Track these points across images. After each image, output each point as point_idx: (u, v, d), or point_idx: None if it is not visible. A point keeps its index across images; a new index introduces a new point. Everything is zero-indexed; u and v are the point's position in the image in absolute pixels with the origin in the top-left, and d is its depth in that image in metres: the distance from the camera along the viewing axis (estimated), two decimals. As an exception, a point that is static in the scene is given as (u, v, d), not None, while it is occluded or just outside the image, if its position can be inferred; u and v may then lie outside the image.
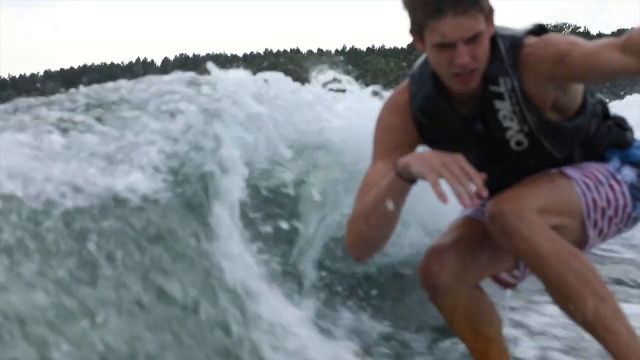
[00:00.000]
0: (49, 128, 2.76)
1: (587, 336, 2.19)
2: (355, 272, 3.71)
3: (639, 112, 6.97)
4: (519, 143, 2.22)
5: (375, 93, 4.24)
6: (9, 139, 2.55)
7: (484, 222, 2.25)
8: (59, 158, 2.53)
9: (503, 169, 2.28)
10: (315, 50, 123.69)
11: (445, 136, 2.23)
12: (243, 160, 2.99)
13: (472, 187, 1.86)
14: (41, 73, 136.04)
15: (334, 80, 4.25)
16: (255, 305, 2.56)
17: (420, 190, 2.16)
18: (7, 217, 2.23)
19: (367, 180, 2.19)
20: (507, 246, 2.12)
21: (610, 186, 2.25)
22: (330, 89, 4.29)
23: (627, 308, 2.23)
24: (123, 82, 3.45)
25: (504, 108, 2.16)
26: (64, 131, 2.79)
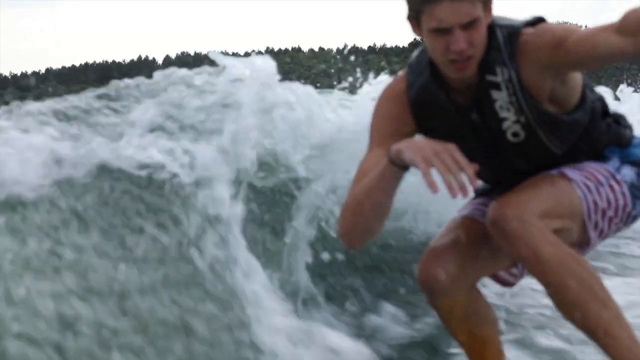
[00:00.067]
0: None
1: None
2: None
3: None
4: (515, 134, 2.20)
5: None
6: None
7: (482, 222, 2.25)
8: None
9: (501, 162, 2.28)
10: (316, 49, 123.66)
11: (442, 126, 2.22)
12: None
13: (463, 178, 1.86)
14: (42, 71, 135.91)
15: None
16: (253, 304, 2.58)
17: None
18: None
19: (362, 167, 2.19)
20: (509, 251, 2.13)
21: (611, 187, 2.25)
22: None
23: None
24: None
25: (500, 98, 2.15)
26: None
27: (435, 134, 2.14)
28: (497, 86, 2.15)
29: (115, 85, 3.43)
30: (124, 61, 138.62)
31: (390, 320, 3.30)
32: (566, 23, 2.26)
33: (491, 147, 2.26)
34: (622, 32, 1.99)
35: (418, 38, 2.18)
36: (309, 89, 4.13)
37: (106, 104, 3.19)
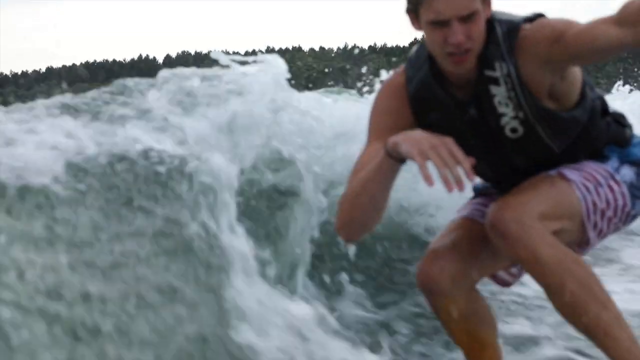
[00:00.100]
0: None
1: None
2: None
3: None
4: (513, 130, 2.19)
5: None
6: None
7: (482, 223, 2.24)
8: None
9: (499, 158, 2.27)
10: (317, 49, 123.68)
11: (440, 121, 2.20)
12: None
13: (460, 172, 1.85)
14: (43, 70, 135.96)
15: None
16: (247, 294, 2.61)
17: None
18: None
19: (361, 160, 2.19)
20: (508, 253, 2.12)
21: (610, 187, 2.24)
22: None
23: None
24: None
25: (499, 93, 2.15)
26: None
27: (434, 129, 2.10)
28: (495, 81, 2.15)
29: (120, 83, 3.46)
30: (124, 60, 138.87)
31: (392, 315, 3.32)
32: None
33: (490, 143, 2.24)
34: (621, 23, 1.99)
35: (417, 32, 2.18)
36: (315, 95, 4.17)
37: (114, 98, 3.23)
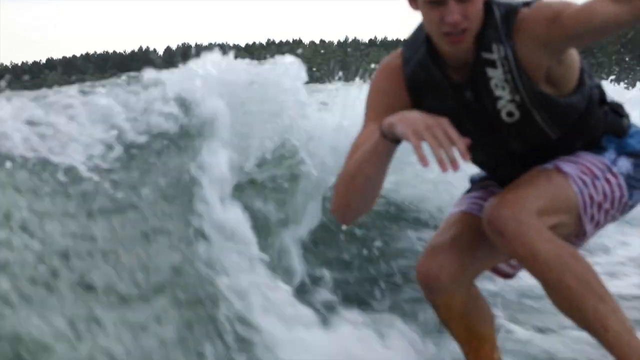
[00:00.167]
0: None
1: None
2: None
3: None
4: (510, 114, 2.18)
5: None
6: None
7: (480, 217, 2.24)
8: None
9: (495, 141, 2.25)
10: (317, 41, 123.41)
11: (436, 104, 2.18)
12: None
13: (454, 152, 1.84)
14: (43, 61, 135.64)
15: None
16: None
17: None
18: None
19: (357, 142, 2.17)
20: (506, 250, 2.12)
21: (607, 180, 2.23)
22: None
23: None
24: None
25: (496, 76, 2.13)
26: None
27: (430, 112, 2.06)
28: (492, 64, 2.13)
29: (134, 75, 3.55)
30: (124, 52, 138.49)
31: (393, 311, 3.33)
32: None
33: (486, 127, 2.22)
34: (618, 0, 1.98)
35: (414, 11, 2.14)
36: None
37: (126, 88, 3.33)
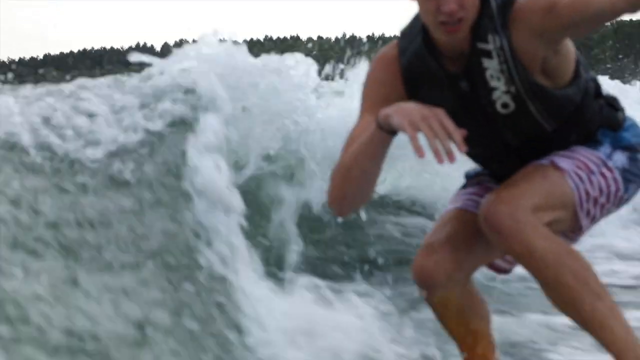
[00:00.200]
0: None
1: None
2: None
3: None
4: (505, 105, 2.17)
5: None
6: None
7: (475, 214, 2.24)
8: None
9: (491, 133, 2.24)
10: (315, 38, 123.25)
11: (432, 95, 2.17)
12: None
13: (450, 144, 1.84)
14: (40, 57, 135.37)
15: None
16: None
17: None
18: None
19: (353, 133, 2.17)
20: (502, 248, 2.12)
21: (602, 175, 2.23)
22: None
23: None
24: None
25: (491, 66, 2.12)
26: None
27: (425, 103, 2.06)
28: (488, 54, 2.12)
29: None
30: (122, 48, 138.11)
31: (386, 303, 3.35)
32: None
33: (481, 119, 2.21)
34: None
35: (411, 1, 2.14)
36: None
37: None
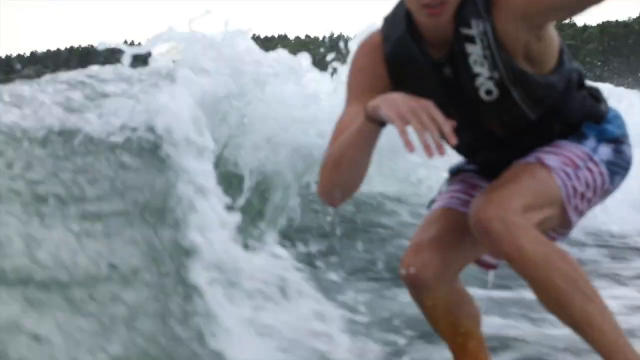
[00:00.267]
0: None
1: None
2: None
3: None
4: (488, 92, 2.16)
5: None
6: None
7: (461, 212, 2.24)
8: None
9: (474, 120, 2.24)
10: (302, 37, 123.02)
11: (415, 83, 2.17)
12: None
13: (439, 137, 1.83)
14: (27, 54, 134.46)
15: None
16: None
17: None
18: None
19: (340, 124, 2.16)
20: (492, 250, 2.12)
21: (589, 169, 2.24)
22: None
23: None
24: None
25: (474, 52, 2.12)
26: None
27: (409, 91, 2.04)
28: (471, 39, 2.11)
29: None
30: (110, 46, 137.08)
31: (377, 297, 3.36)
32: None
33: (465, 107, 2.20)
34: None
35: None
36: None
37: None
